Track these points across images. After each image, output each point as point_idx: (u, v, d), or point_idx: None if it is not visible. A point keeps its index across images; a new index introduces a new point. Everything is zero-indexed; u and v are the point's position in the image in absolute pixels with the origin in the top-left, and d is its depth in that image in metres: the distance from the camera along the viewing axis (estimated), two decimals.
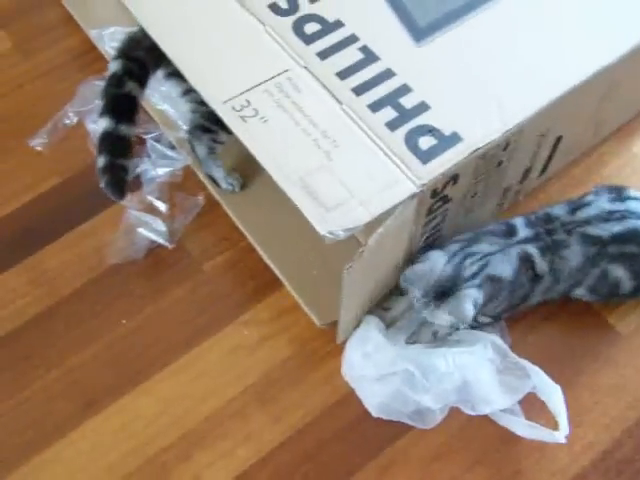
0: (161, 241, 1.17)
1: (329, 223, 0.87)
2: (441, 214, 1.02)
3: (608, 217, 1.05)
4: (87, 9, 1.34)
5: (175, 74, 1.10)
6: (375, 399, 1.05)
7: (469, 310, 0.96)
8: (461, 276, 0.99)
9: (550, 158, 1.15)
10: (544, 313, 1.11)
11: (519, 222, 1.06)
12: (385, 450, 1.04)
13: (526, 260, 1.02)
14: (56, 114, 1.28)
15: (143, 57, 1.11)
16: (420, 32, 1.04)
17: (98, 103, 1.18)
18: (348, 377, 1.07)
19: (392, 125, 0.95)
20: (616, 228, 1.04)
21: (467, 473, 1.02)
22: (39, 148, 1.28)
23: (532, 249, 1.03)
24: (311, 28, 1.04)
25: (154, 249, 1.18)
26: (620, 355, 1.11)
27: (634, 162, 1.27)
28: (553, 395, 1.00)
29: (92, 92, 1.27)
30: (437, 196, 0.96)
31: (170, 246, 1.17)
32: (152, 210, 1.19)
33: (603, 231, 1.04)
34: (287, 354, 1.09)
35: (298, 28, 1.04)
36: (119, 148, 1.10)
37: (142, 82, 1.12)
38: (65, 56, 1.38)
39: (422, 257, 1.02)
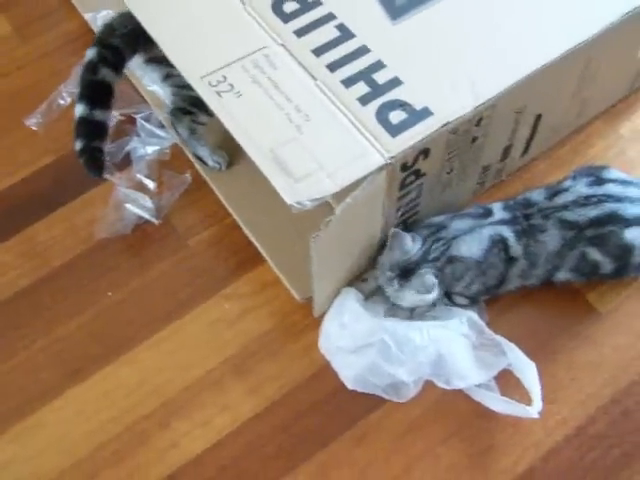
0: (148, 217, 1.20)
1: (297, 193, 0.89)
2: (415, 189, 1.03)
3: (585, 202, 1.05)
4: None
5: (154, 60, 1.14)
6: (350, 371, 1.06)
7: (431, 280, 0.99)
8: (426, 258, 1.02)
9: (532, 137, 1.16)
10: (523, 291, 1.11)
11: (497, 206, 1.08)
12: (359, 422, 1.05)
13: (498, 241, 1.03)
14: (51, 95, 1.32)
15: (118, 44, 1.14)
16: (396, 10, 1.05)
17: None
18: (324, 349, 1.08)
19: (364, 100, 0.97)
20: (593, 213, 1.04)
21: (440, 446, 1.04)
22: (34, 127, 1.32)
23: (506, 231, 1.04)
24: (290, 7, 1.06)
25: (142, 225, 1.21)
26: (598, 333, 1.12)
27: (620, 143, 1.27)
28: (527, 371, 1.01)
29: None
30: (408, 170, 0.97)
31: (157, 222, 1.20)
32: (141, 187, 1.22)
33: (579, 216, 1.04)
34: (266, 327, 1.11)
35: (277, 7, 1.06)
36: (94, 132, 1.15)
37: (117, 68, 1.15)
38: (62, 39, 1.42)
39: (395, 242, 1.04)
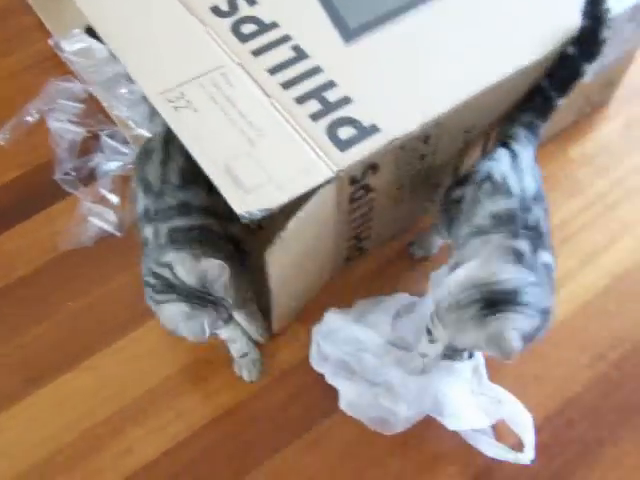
0: (112, 230, 1.24)
1: (246, 204, 0.92)
2: (366, 204, 1.07)
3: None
4: (57, 15, 1.41)
5: None
6: (346, 394, 1.09)
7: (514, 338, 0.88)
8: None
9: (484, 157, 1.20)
10: None
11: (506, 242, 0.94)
12: (310, 430, 1.08)
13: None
14: (19, 112, 1.36)
15: None
16: (350, 33, 1.10)
17: (61, 102, 1.27)
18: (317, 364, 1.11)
19: (315, 117, 1.01)
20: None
21: (389, 454, 1.07)
22: (1, 142, 1.36)
23: (543, 258, 0.95)
24: (248, 28, 1.10)
25: (105, 237, 1.24)
26: (544, 347, 1.13)
27: (570, 166, 1.32)
28: (523, 421, 1.05)
29: (55, 92, 1.36)
30: (357, 184, 1.01)
31: (120, 235, 1.24)
32: (105, 202, 1.26)
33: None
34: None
35: (236, 28, 1.10)
36: None
37: None
38: (33, 59, 1.46)
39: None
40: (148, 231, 1.02)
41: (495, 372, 1.10)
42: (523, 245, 0.93)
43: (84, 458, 1.06)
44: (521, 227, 0.95)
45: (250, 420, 1.09)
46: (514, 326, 0.87)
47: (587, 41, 1.08)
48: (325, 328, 1.11)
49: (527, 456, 1.02)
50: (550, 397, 1.11)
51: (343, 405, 1.08)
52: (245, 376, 1.11)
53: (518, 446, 1.04)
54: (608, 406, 1.10)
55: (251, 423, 1.09)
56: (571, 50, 1.08)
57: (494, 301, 0.87)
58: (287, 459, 1.06)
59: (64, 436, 1.08)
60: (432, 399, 1.05)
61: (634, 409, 1.09)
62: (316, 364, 1.11)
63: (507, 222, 0.96)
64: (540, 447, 1.06)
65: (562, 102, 1.12)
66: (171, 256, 0.95)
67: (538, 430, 1.07)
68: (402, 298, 1.15)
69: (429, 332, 1.01)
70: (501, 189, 0.99)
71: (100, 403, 1.10)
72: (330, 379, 1.10)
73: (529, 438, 1.04)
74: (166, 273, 0.94)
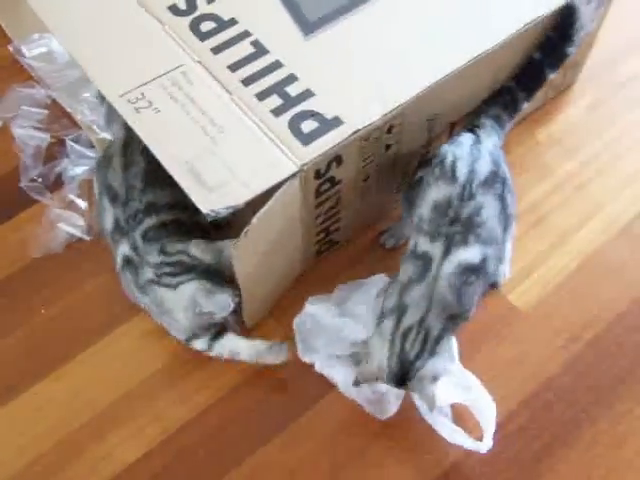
0: (80, 235, 1.23)
1: (211, 202, 0.92)
2: (333, 197, 1.07)
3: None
4: (16, 20, 1.40)
5: None
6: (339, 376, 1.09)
7: (432, 393, 0.94)
8: (409, 360, 0.95)
9: None
10: None
11: (423, 245, 0.98)
12: (288, 426, 1.08)
13: (466, 273, 0.96)
14: None
15: None
16: (309, 26, 1.10)
17: (24, 109, 1.26)
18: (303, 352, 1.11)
19: (277, 111, 1.01)
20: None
21: (367, 446, 1.07)
22: None
23: (462, 255, 0.96)
24: (207, 26, 1.10)
25: (74, 243, 1.24)
26: (519, 331, 1.16)
27: (537, 149, 1.33)
28: (486, 410, 1.04)
29: (18, 98, 1.34)
30: (322, 177, 1.01)
31: (89, 239, 1.23)
32: (73, 207, 1.25)
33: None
34: None
35: (195, 26, 1.10)
36: None
37: None
38: None
39: (363, 352, 0.99)
40: (124, 248, 1.07)
41: (470, 356, 1.10)
42: (436, 249, 0.96)
43: (63, 465, 1.06)
44: (448, 223, 0.97)
45: (228, 419, 1.09)
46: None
47: (553, 52, 1.13)
48: (306, 319, 1.12)
49: (485, 445, 1.01)
50: (527, 380, 1.11)
51: (342, 389, 1.08)
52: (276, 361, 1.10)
53: (476, 433, 1.03)
54: (584, 386, 1.10)
55: (229, 422, 1.08)
56: (537, 56, 1.13)
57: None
58: (267, 456, 1.06)
59: (42, 444, 1.07)
60: None
61: (608, 388, 1.10)
62: (303, 355, 1.11)
63: (440, 216, 0.97)
64: (519, 430, 1.07)
65: (527, 106, 1.16)
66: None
67: (514, 415, 1.08)
68: (380, 280, 1.15)
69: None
70: (447, 174, 1.00)
71: (77, 409, 1.10)
72: (321, 369, 1.10)
73: (491, 427, 1.03)
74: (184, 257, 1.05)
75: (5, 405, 1.10)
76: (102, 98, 1.21)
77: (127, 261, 1.08)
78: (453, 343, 1.05)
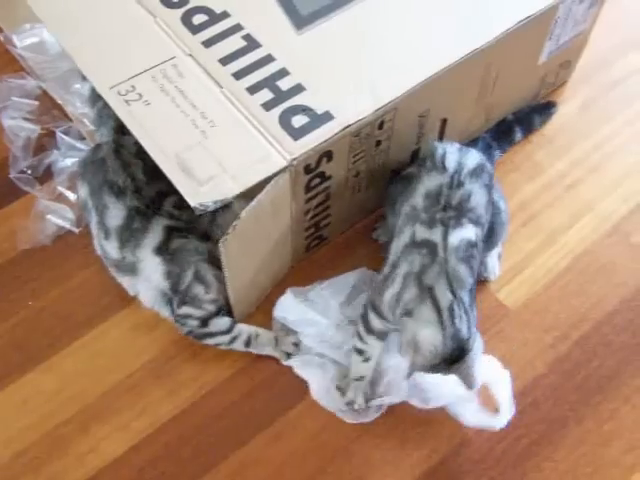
0: (69, 227, 1.22)
1: (200, 196, 0.92)
2: (323, 192, 1.07)
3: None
4: (7, 10, 1.39)
5: None
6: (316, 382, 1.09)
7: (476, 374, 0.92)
8: (463, 337, 0.91)
9: (440, 141, 1.20)
10: None
11: (422, 233, 0.97)
12: (275, 421, 1.08)
13: (469, 249, 0.96)
14: None
15: None
16: (302, 21, 1.09)
17: (14, 100, 1.25)
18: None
19: (267, 106, 1.01)
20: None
21: (355, 443, 1.07)
22: None
23: (459, 234, 0.96)
24: (199, 19, 1.10)
25: (63, 235, 1.23)
26: (507, 329, 1.16)
27: (528, 148, 1.33)
28: (500, 381, 1.04)
29: (8, 89, 1.34)
30: (312, 172, 1.01)
31: (77, 231, 1.22)
32: (62, 199, 1.25)
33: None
34: None
35: (186, 19, 1.09)
36: None
37: None
38: None
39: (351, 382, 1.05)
40: (162, 222, 1.08)
41: None
42: (435, 235, 0.96)
43: (49, 458, 1.05)
44: (441, 210, 0.98)
45: (214, 414, 1.08)
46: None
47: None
48: (280, 311, 1.12)
49: (504, 418, 1.01)
50: (515, 378, 1.09)
51: (314, 396, 1.08)
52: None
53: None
54: (571, 385, 1.10)
55: (216, 417, 1.08)
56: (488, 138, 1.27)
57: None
58: (253, 451, 1.06)
59: (28, 437, 1.06)
60: (410, 386, 1.04)
61: (595, 388, 1.10)
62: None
63: (432, 204, 0.99)
64: (504, 429, 1.06)
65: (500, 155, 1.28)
66: None
67: None
68: (362, 272, 1.15)
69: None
70: (437, 165, 1.01)
71: (63, 402, 1.09)
72: (298, 370, 1.10)
73: (506, 401, 1.02)
74: None
75: None
76: (92, 102, 1.21)
77: (171, 229, 1.07)
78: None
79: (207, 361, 1.12)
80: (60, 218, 1.21)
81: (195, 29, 1.08)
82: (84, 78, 1.22)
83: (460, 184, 1.00)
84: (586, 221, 1.26)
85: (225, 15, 1.10)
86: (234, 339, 1.09)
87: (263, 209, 0.96)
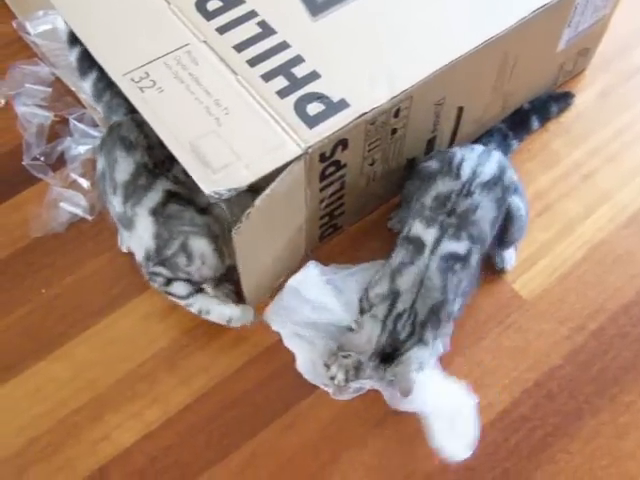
0: (82, 214, 1.22)
1: (214, 183, 0.91)
2: (337, 181, 1.06)
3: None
4: None
5: None
6: (302, 354, 1.09)
7: (414, 379, 0.97)
8: (400, 339, 0.99)
9: (456, 129, 1.19)
10: None
11: (418, 229, 1.02)
12: (288, 411, 1.07)
13: (450, 261, 1.00)
14: None
15: None
16: (317, 7, 1.08)
17: (27, 86, 1.25)
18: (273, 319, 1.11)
19: (282, 93, 0.99)
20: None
21: (367, 433, 1.06)
22: None
23: (450, 246, 1.00)
24: (213, 5, 1.08)
25: (76, 223, 1.22)
26: (523, 320, 1.15)
27: (545, 137, 1.31)
28: (467, 417, 1.02)
29: (21, 76, 1.33)
30: (327, 161, 1.00)
31: (91, 219, 1.22)
32: (75, 186, 1.24)
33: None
34: (197, 320, 1.12)
35: (201, 5, 1.08)
36: None
37: None
38: None
39: (356, 324, 1.04)
40: (163, 185, 1.06)
41: (474, 344, 1.11)
42: (429, 235, 1.00)
43: (61, 446, 1.05)
44: (445, 213, 1.01)
45: (227, 403, 1.08)
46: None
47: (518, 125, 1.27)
48: (296, 282, 1.12)
49: (464, 452, 1.00)
50: (530, 369, 1.10)
51: (299, 368, 1.08)
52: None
53: None
54: (587, 377, 1.09)
55: (228, 406, 1.08)
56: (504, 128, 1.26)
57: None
58: (266, 441, 1.05)
59: (40, 425, 1.06)
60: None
61: (611, 379, 1.09)
62: (271, 322, 1.12)
63: (439, 206, 1.02)
64: (520, 419, 1.06)
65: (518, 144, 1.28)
66: None
67: (517, 404, 1.07)
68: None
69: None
70: (452, 171, 1.04)
71: (76, 390, 1.09)
72: (286, 340, 1.10)
73: (470, 437, 1.01)
74: None
75: (4, 385, 1.09)
76: (98, 97, 1.20)
77: (171, 195, 1.06)
78: (438, 344, 1.06)
79: (219, 350, 1.11)
80: (73, 205, 1.21)
81: (210, 15, 1.07)
82: (81, 75, 1.21)
83: (469, 193, 1.02)
84: (603, 211, 1.24)
85: (240, 1, 1.09)
86: (189, 306, 1.10)
87: (277, 197, 0.95)
